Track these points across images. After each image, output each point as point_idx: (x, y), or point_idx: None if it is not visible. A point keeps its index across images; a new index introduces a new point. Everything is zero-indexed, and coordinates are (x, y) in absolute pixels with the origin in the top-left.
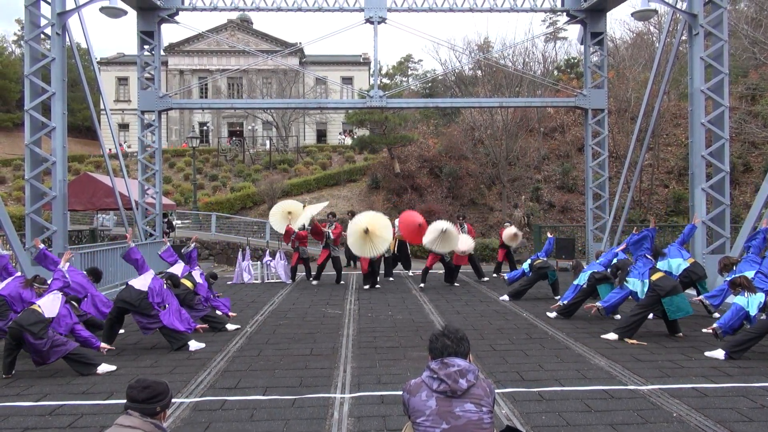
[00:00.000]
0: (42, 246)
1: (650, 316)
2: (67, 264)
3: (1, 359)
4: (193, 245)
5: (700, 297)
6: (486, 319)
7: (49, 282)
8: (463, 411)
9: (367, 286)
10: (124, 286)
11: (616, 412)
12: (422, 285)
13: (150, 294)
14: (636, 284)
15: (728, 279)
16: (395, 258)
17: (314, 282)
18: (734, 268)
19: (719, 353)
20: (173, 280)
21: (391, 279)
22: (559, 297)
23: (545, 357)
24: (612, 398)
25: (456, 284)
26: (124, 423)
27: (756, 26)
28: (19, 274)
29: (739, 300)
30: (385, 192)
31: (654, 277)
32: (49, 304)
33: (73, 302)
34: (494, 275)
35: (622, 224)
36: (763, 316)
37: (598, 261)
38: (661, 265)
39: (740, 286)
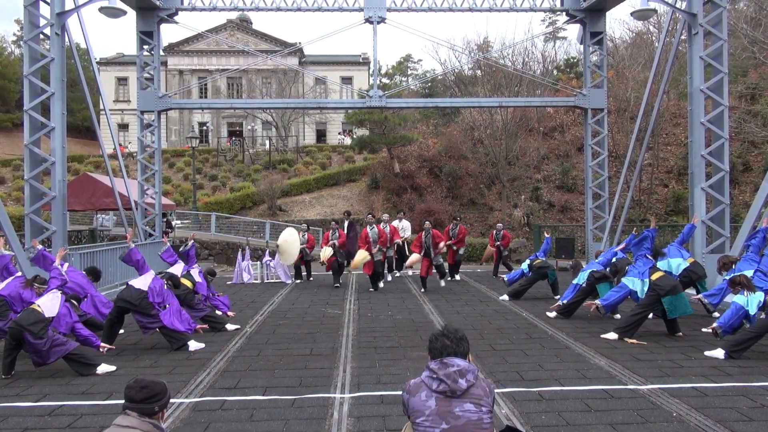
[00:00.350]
0: (40, 246)
1: (650, 315)
2: (66, 264)
3: (1, 359)
4: (191, 243)
5: (699, 296)
6: (486, 319)
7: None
8: (463, 411)
9: (372, 289)
10: (124, 286)
11: (616, 411)
12: (423, 290)
13: (150, 294)
14: (636, 284)
15: (727, 278)
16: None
17: (336, 285)
18: (733, 267)
19: (719, 353)
20: (174, 281)
21: (390, 280)
22: (558, 296)
23: (545, 357)
24: (612, 398)
25: (456, 277)
26: (122, 423)
27: (755, 25)
28: (19, 274)
29: (738, 299)
30: (385, 192)
31: (654, 277)
32: (49, 304)
33: (73, 301)
34: (493, 276)
35: (622, 224)
36: (763, 315)
37: (597, 260)
38: (660, 264)
39: (739, 284)
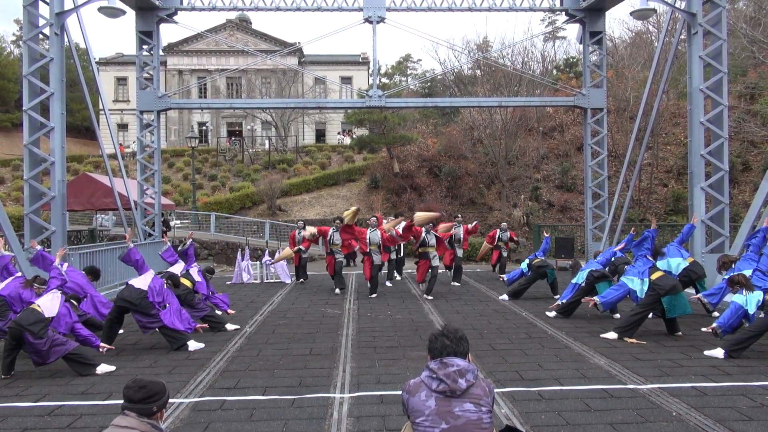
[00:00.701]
0: (39, 247)
1: (650, 315)
2: (66, 264)
3: (1, 359)
4: (189, 242)
5: (699, 295)
6: (485, 319)
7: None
8: (463, 411)
9: (373, 295)
10: (124, 286)
11: (616, 411)
12: (423, 289)
13: (150, 293)
14: (635, 283)
15: (727, 277)
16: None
17: (337, 291)
18: (733, 266)
19: (718, 352)
20: (173, 280)
21: (389, 284)
22: (558, 296)
23: (545, 356)
24: (611, 397)
25: (457, 284)
26: (121, 423)
27: (755, 25)
28: (19, 274)
29: (737, 298)
30: (385, 192)
31: (654, 276)
32: (49, 304)
33: (73, 301)
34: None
35: (621, 223)
36: (762, 314)
37: (596, 260)
38: (660, 264)
39: (738, 284)
